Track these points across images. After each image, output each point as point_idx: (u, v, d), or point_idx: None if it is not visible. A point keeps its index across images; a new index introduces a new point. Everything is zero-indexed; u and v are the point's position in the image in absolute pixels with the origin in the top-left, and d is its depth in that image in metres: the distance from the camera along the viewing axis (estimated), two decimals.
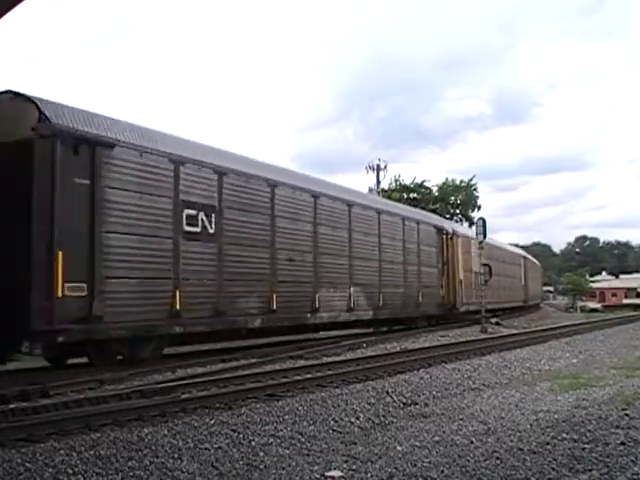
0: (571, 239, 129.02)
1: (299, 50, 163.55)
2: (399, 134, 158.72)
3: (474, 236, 25.05)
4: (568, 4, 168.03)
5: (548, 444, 5.56)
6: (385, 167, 40.20)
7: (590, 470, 4.78)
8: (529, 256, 47.27)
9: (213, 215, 12.47)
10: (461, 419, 6.77)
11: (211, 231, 12.40)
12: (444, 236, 23.89)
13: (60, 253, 9.45)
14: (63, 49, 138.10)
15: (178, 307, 11.37)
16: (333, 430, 6.39)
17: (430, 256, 22.77)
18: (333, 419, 6.78)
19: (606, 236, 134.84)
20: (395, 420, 6.88)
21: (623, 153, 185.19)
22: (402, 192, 43.89)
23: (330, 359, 12.55)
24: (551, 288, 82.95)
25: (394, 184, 44.73)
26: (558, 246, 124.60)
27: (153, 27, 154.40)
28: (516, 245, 53.87)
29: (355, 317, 17.35)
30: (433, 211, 36.80)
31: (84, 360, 11.41)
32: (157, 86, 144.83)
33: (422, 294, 21.72)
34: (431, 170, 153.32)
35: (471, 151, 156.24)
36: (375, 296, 18.47)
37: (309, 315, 15.35)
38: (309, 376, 9.81)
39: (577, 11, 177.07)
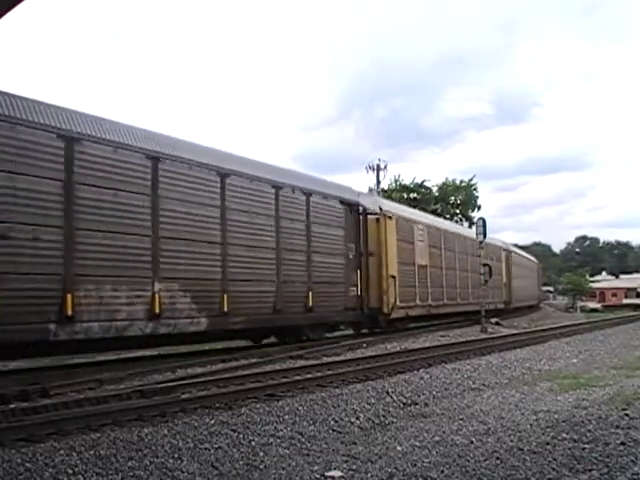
0: (571, 239, 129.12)
1: (300, 51, 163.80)
2: (399, 134, 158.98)
3: (426, 219, 21.83)
4: (568, 4, 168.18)
5: (548, 444, 5.56)
6: (385, 167, 40.23)
7: (590, 470, 4.78)
8: (518, 250, 42.15)
9: None
10: (461, 419, 6.76)
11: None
12: (360, 215, 17.83)
13: None
14: (64, 49, 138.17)
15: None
16: (333, 430, 6.39)
17: (333, 241, 16.46)
18: (333, 419, 6.78)
19: (606, 236, 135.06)
20: (395, 420, 6.88)
21: (623, 153, 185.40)
22: (402, 192, 43.88)
23: (330, 359, 12.55)
24: (551, 288, 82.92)
25: (394, 184, 44.77)
26: (558, 246, 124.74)
27: (156, 27, 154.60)
28: (516, 245, 53.56)
29: (166, 329, 11.56)
30: (433, 211, 36.79)
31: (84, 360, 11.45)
32: (158, 86, 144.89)
33: (314, 294, 15.35)
34: (431, 170, 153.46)
35: (471, 151, 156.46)
36: (214, 296, 12.67)
37: (53, 327, 9.73)
38: (309, 376, 9.81)
39: (578, 11, 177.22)
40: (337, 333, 18.17)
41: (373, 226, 18.60)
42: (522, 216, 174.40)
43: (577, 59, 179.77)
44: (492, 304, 28.30)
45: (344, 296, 16.72)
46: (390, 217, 19.26)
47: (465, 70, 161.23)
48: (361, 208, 17.97)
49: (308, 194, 15.74)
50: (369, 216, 18.43)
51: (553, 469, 4.83)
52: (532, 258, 49.49)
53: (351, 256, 17.14)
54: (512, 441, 5.71)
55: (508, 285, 32.99)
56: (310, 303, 15.20)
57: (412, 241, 20.85)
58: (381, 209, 19.18)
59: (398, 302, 19.09)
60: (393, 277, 18.86)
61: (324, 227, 16.18)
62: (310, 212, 15.70)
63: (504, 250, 33.24)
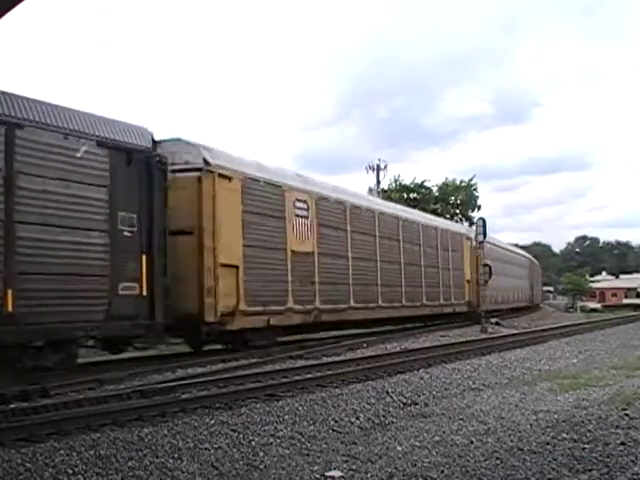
0: (571, 239, 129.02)
1: (301, 50, 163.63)
2: (400, 134, 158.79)
3: (320, 189, 16.64)
4: (569, 4, 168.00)
5: (548, 444, 5.56)
6: (385, 167, 40.24)
7: (590, 470, 4.78)
8: (500, 241, 35.55)
9: None
10: (461, 419, 6.76)
11: None
12: (154, 170, 11.32)
13: None
14: (65, 48, 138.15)
15: None
16: (333, 430, 6.39)
17: (81, 207, 10.14)
18: (333, 419, 6.78)
19: (606, 236, 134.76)
20: (395, 420, 6.88)
21: (623, 153, 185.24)
22: (402, 192, 43.87)
23: (330, 359, 12.56)
24: (551, 288, 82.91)
25: (394, 184, 44.76)
26: (558, 246, 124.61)
27: (156, 28, 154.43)
28: (516, 245, 53.36)
29: None
30: (433, 211, 36.75)
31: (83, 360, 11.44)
32: (159, 86, 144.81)
33: (18, 292, 9.10)
34: (432, 170, 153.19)
35: (472, 151, 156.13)
36: None
37: None
38: (309, 376, 9.81)
39: (578, 11, 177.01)
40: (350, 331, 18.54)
41: (187, 189, 12.29)
42: (522, 216, 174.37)
43: (578, 59, 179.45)
44: (438, 307, 23.23)
45: (105, 298, 10.26)
46: (226, 176, 12.93)
47: (466, 70, 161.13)
48: (157, 158, 11.37)
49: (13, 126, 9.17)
50: (179, 174, 12.17)
51: (553, 469, 4.82)
52: (523, 253, 44.03)
53: (128, 233, 10.75)
54: (512, 441, 5.70)
55: (474, 283, 25.94)
56: (10, 308, 8.93)
57: (282, 216, 14.58)
58: (207, 162, 12.62)
59: (244, 305, 13.07)
60: (232, 267, 12.89)
61: (52, 182, 9.67)
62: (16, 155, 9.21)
63: (467, 239, 26.52)
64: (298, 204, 15.36)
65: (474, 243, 25.79)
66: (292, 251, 14.84)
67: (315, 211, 16.03)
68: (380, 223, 19.52)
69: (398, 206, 24.87)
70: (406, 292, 20.81)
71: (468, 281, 26.10)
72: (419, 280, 21.92)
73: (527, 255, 45.15)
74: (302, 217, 15.50)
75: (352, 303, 17.44)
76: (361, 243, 18.31)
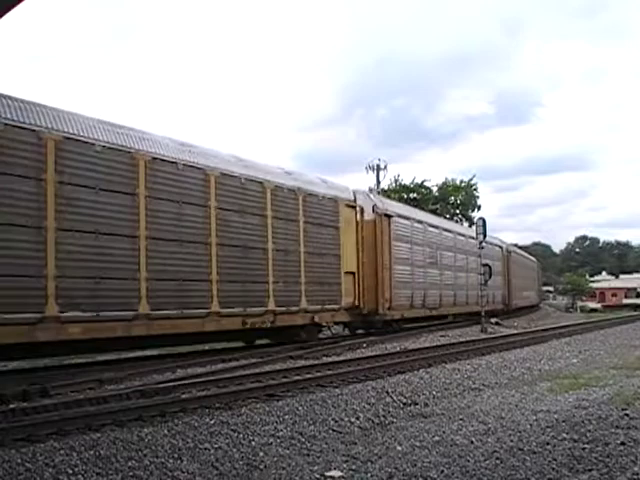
0: (571, 239, 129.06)
1: (301, 50, 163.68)
2: (401, 134, 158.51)
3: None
4: (572, 4, 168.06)
5: (548, 444, 5.56)
6: (385, 167, 40.19)
7: (590, 470, 4.78)
8: (450, 225, 29.23)
9: None
10: (461, 419, 6.76)
11: None
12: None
13: None
14: (66, 48, 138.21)
15: None
16: (333, 430, 6.39)
17: None
18: (333, 419, 6.78)
19: (606, 236, 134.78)
20: (395, 420, 6.88)
21: (624, 153, 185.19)
22: (402, 192, 43.87)
23: (330, 359, 12.57)
24: (551, 288, 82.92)
25: (394, 184, 44.76)
26: (558, 246, 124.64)
27: (154, 27, 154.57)
28: (515, 245, 53.24)
29: None
30: (433, 211, 36.77)
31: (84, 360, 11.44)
32: (158, 85, 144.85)
33: None
34: (433, 170, 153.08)
35: (473, 151, 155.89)
36: None
37: None
38: (309, 376, 9.81)
39: (580, 11, 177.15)
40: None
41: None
42: (523, 216, 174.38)
43: (579, 59, 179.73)
44: (260, 316, 13.98)
45: None
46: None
47: (467, 70, 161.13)
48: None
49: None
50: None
51: (553, 469, 4.83)
52: (498, 242, 33.16)
53: None
54: (512, 441, 5.70)
55: (368, 275, 18.14)
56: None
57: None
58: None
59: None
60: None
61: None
62: None
63: (349, 207, 17.68)
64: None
65: (366, 214, 18.27)
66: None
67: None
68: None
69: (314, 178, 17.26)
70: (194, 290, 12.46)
71: (352, 273, 17.35)
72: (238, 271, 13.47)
73: (501, 243, 34.08)
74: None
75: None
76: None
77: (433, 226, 24.02)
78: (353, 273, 17.52)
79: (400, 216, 20.74)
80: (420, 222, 22.63)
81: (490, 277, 24.61)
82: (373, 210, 18.88)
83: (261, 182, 14.26)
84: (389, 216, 19.57)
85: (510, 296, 33.39)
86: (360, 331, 19.34)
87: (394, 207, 21.22)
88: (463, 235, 27.53)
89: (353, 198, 18.03)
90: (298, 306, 15.20)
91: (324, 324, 16.79)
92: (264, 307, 14.03)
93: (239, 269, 13.43)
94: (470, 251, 26.56)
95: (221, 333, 13.27)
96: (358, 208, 18.05)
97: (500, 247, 33.42)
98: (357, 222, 17.89)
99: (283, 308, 14.60)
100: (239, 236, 13.52)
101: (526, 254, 47.87)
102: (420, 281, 21.84)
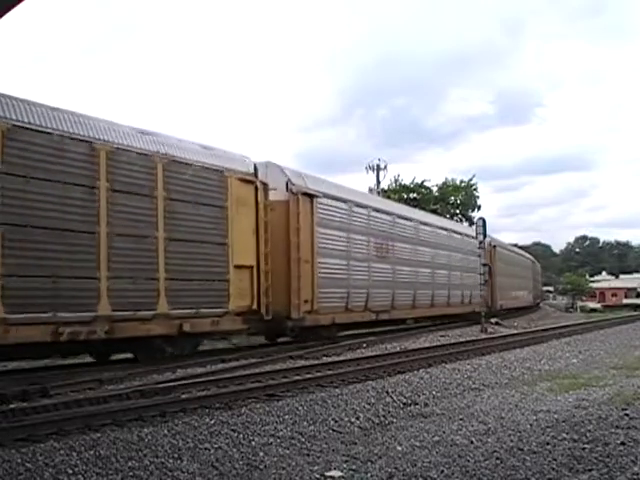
0: (571, 239, 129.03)
1: (302, 50, 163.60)
2: (401, 134, 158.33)
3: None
4: (573, 4, 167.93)
5: (548, 444, 5.56)
6: (385, 167, 40.17)
7: (590, 470, 4.78)
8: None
9: None
10: (461, 419, 6.77)
11: None
12: None
13: None
14: (68, 47, 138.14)
15: None
16: (333, 430, 6.39)
17: None
18: (333, 419, 6.78)
19: (606, 236, 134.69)
20: (395, 420, 6.89)
21: (624, 153, 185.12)
22: (402, 192, 43.86)
23: (330, 359, 12.57)
24: (551, 288, 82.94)
25: (394, 184, 44.75)
26: (558, 246, 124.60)
27: (156, 26, 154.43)
28: (515, 245, 53.18)
29: None
30: (433, 211, 36.75)
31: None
32: (159, 85, 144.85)
33: None
34: (433, 170, 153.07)
35: (474, 151, 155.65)
36: None
37: None
38: (309, 376, 9.81)
39: (581, 11, 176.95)
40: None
41: None
42: (524, 216, 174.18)
43: (580, 60, 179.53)
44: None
45: None
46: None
47: (468, 70, 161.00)
48: None
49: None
50: None
51: (553, 469, 4.83)
52: (470, 231, 26.78)
53: None
54: (512, 441, 5.70)
55: (260, 272, 13.95)
56: None
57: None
58: None
59: None
60: None
61: None
62: None
63: (246, 181, 13.97)
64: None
65: (274, 192, 14.75)
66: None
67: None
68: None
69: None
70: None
71: (249, 267, 13.71)
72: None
73: (471, 232, 26.38)
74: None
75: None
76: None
77: (382, 212, 19.60)
78: (250, 267, 13.60)
79: (329, 196, 16.41)
80: (363, 206, 18.35)
81: (490, 277, 24.48)
82: (287, 188, 14.96)
83: (90, 142, 10.54)
84: (311, 196, 15.55)
85: (494, 296, 29.10)
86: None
87: (321, 185, 16.68)
88: (436, 226, 24.19)
89: (251, 171, 13.91)
90: (154, 310, 11.33)
91: (205, 333, 13.05)
92: (92, 312, 10.27)
93: (47, 258, 9.79)
94: (443, 245, 23.71)
95: (16, 347, 9.49)
96: (259, 184, 13.94)
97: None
98: (257, 202, 13.81)
99: (126, 313, 10.81)
100: (43, 213, 9.79)
101: (520, 251, 46.64)
102: (360, 278, 17.65)
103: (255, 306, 13.58)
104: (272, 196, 14.43)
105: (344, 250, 17.04)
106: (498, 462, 5.01)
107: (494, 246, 30.22)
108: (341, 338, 16.66)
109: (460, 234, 26.79)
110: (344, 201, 17.40)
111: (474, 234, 23.83)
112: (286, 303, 14.48)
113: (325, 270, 15.90)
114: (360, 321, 17.91)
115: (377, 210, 19.39)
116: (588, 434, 5.90)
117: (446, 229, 25.29)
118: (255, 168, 14.15)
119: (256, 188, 13.89)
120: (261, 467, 5.06)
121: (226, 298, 12.87)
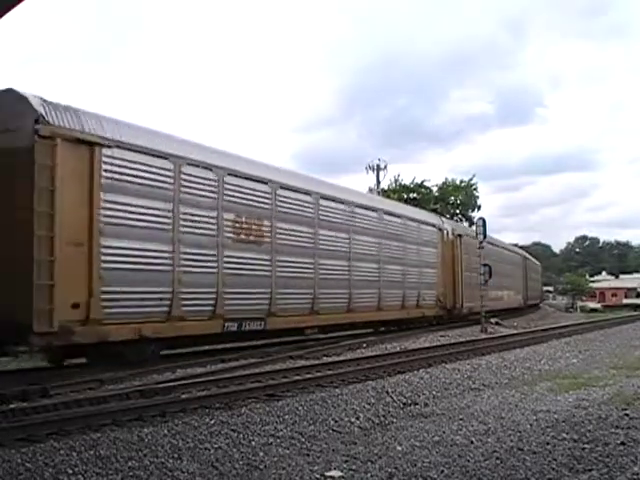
0: (571, 239, 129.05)
1: (302, 50, 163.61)
2: (402, 134, 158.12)
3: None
4: (574, 4, 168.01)
5: (548, 444, 5.56)
6: (385, 167, 40.17)
7: (590, 470, 4.78)
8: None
9: None
10: (461, 419, 6.76)
11: None
12: None
13: None
14: (64, 47, 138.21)
15: None
16: (333, 430, 6.39)
17: None
18: (333, 419, 6.78)
19: (606, 236, 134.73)
20: (395, 420, 6.89)
21: (624, 153, 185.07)
22: (402, 192, 43.85)
23: (330, 359, 12.57)
24: (551, 288, 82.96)
25: (394, 184, 44.74)
26: (558, 246, 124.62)
27: (153, 27, 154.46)
28: (515, 245, 53.07)
29: None
30: (434, 211, 36.76)
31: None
32: (157, 85, 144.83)
33: None
34: (434, 170, 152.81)
35: (475, 151, 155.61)
36: None
37: None
38: (309, 376, 9.81)
39: (583, 11, 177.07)
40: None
41: None
42: (524, 216, 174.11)
43: (582, 60, 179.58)
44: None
45: None
46: None
47: (469, 70, 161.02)
48: None
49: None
50: None
51: (553, 469, 4.83)
52: (435, 220, 24.66)
53: None
54: (512, 441, 5.71)
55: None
56: None
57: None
58: None
59: None
60: None
61: None
62: None
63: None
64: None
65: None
66: None
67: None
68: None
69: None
70: None
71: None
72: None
73: (439, 221, 25.01)
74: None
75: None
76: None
77: (254, 179, 13.41)
78: None
79: (129, 147, 10.51)
80: (205, 166, 12.06)
81: (490, 277, 24.33)
82: (34, 128, 9.19)
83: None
84: (91, 144, 9.89)
85: (457, 297, 24.19)
86: None
87: (117, 129, 10.50)
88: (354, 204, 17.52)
89: None
90: None
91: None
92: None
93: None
94: (369, 230, 18.10)
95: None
96: None
97: (436, 227, 23.25)
98: None
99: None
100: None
101: (508, 245, 41.14)
102: (200, 271, 11.96)
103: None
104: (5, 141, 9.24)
105: (165, 229, 11.21)
106: (498, 462, 5.02)
107: (458, 235, 25.27)
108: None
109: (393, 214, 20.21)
110: (163, 157, 11.20)
111: (429, 219, 22.56)
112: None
113: (119, 258, 10.31)
114: (200, 334, 12.22)
115: (235, 174, 12.91)
116: (588, 434, 5.90)
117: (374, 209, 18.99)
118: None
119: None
120: (261, 467, 5.06)
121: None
